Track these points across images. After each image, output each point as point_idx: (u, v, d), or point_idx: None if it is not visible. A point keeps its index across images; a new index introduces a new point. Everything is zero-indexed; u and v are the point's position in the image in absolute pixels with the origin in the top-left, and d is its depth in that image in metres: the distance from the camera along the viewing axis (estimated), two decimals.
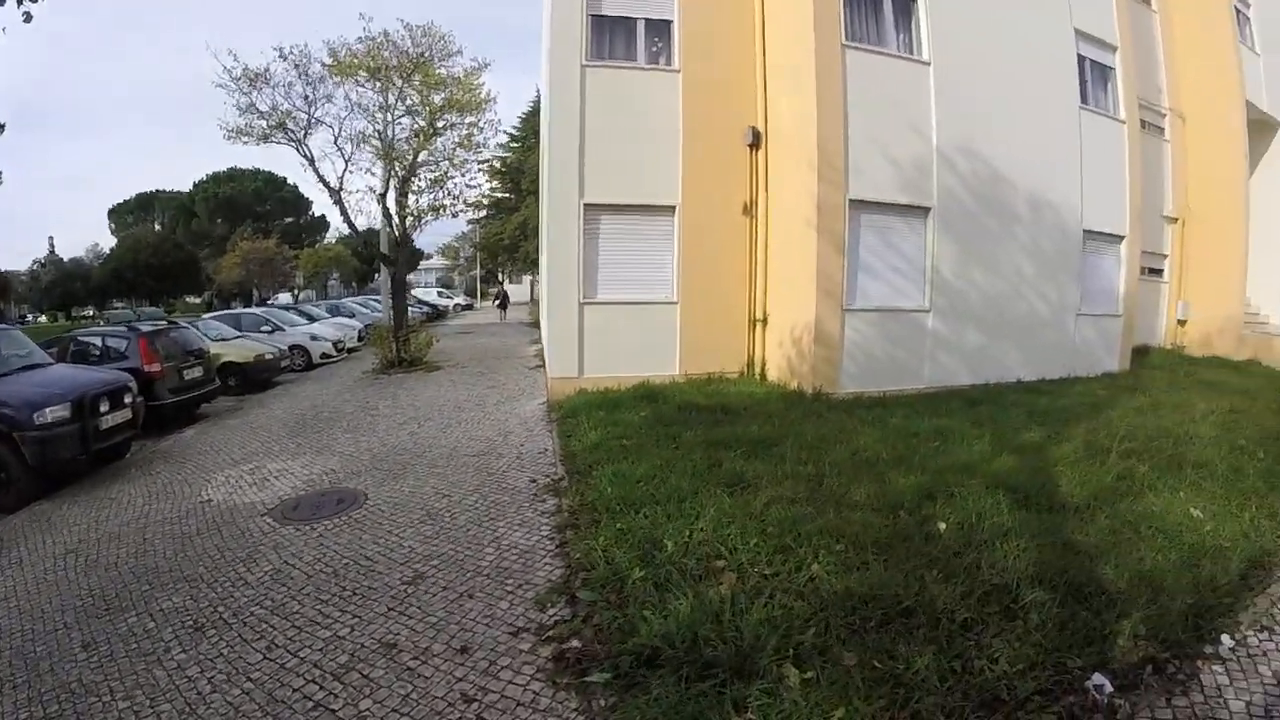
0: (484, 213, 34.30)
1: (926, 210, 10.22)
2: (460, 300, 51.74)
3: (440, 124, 16.57)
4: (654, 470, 6.22)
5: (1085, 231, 12.04)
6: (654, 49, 11.28)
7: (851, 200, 9.69)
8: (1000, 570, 4.23)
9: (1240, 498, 5.63)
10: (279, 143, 15.71)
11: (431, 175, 16.91)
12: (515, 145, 31.67)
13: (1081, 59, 12.51)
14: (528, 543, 5.37)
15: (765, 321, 11.03)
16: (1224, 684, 3.50)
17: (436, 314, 37.98)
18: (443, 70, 16.44)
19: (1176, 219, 15.94)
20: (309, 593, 4.68)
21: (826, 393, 9.36)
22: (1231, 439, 7.51)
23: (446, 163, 16.69)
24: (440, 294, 49.55)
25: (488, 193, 31.09)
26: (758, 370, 11.02)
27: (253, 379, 14.66)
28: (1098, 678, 3.36)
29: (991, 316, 10.81)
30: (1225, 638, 3.84)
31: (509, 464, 7.68)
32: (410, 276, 61.56)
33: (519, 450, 8.25)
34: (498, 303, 36.73)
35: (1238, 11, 16.82)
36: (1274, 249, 17.45)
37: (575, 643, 3.83)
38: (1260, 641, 3.89)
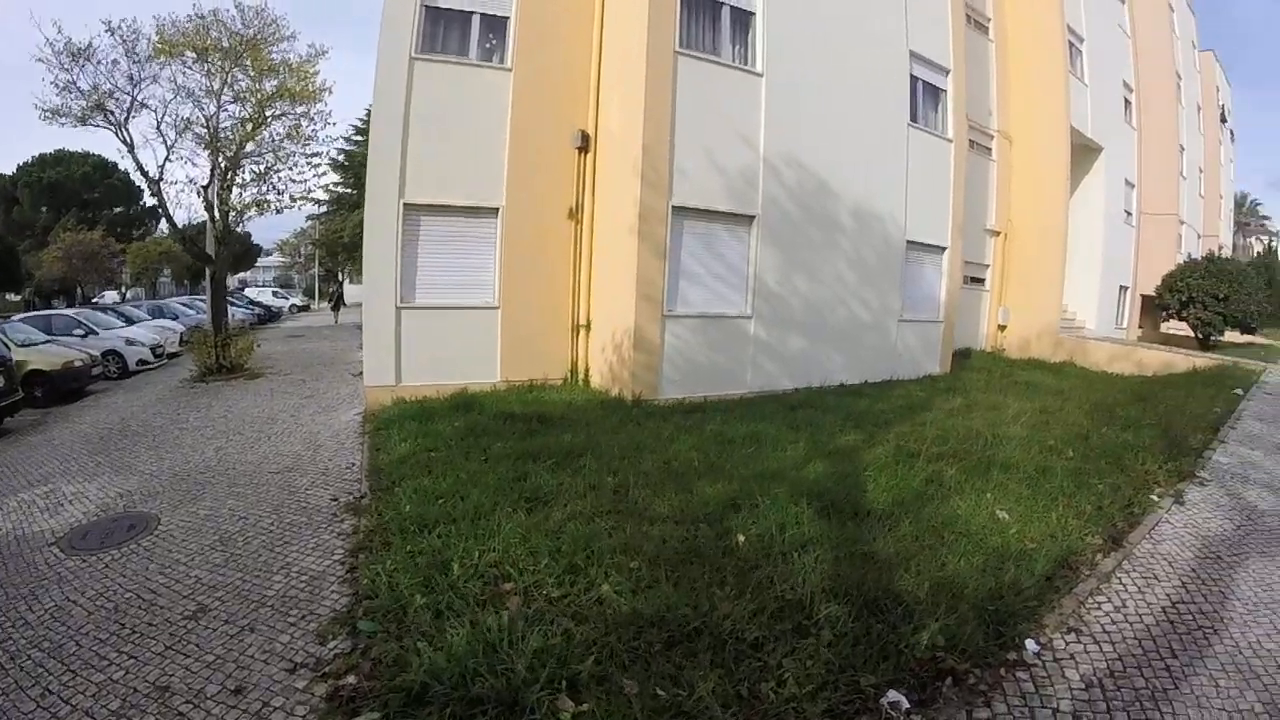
0: (324, 208, 32.79)
1: (751, 218, 10.47)
2: (296, 301, 49.43)
3: (269, 113, 15.79)
4: (457, 485, 5.99)
5: (908, 242, 12.78)
6: (488, 45, 11.01)
7: (675, 207, 9.78)
8: (795, 584, 4.16)
9: (1048, 498, 5.83)
10: (98, 126, 14.67)
11: (257, 168, 16.06)
12: (360, 139, 30.50)
13: (915, 79, 13.29)
14: (318, 568, 5.12)
15: (588, 327, 10.98)
16: (1029, 691, 3.49)
17: (270, 316, 36.11)
18: (276, 56, 15.71)
19: (999, 232, 17.24)
20: (88, 631, 4.39)
21: (647, 399, 9.38)
22: (1042, 439, 7.90)
23: (271, 155, 15.89)
24: (275, 294, 47.23)
25: (330, 187, 29.83)
26: (581, 377, 10.96)
27: (61, 389, 13.29)
28: (893, 694, 3.30)
29: (815, 323, 11.23)
30: (1030, 643, 3.84)
31: (313, 481, 7.33)
32: (246, 275, 58.13)
33: (326, 465, 7.90)
34: (331, 304, 35.23)
35: (1071, 45, 18.49)
36: (1092, 260, 19.33)
37: (351, 679, 3.65)
38: (1068, 644, 3.92)
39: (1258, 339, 24.89)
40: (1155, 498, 6.44)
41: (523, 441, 7.44)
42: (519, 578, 4.31)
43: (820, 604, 3.90)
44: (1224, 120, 41.59)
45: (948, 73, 14.03)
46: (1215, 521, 6.11)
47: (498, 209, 10.58)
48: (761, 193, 10.51)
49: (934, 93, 13.93)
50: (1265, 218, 63.82)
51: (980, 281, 17.35)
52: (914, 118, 13.13)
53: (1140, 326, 23.78)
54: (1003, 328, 17.42)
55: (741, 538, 4.83)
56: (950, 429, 8.30)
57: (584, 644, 3.56)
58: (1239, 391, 12.26)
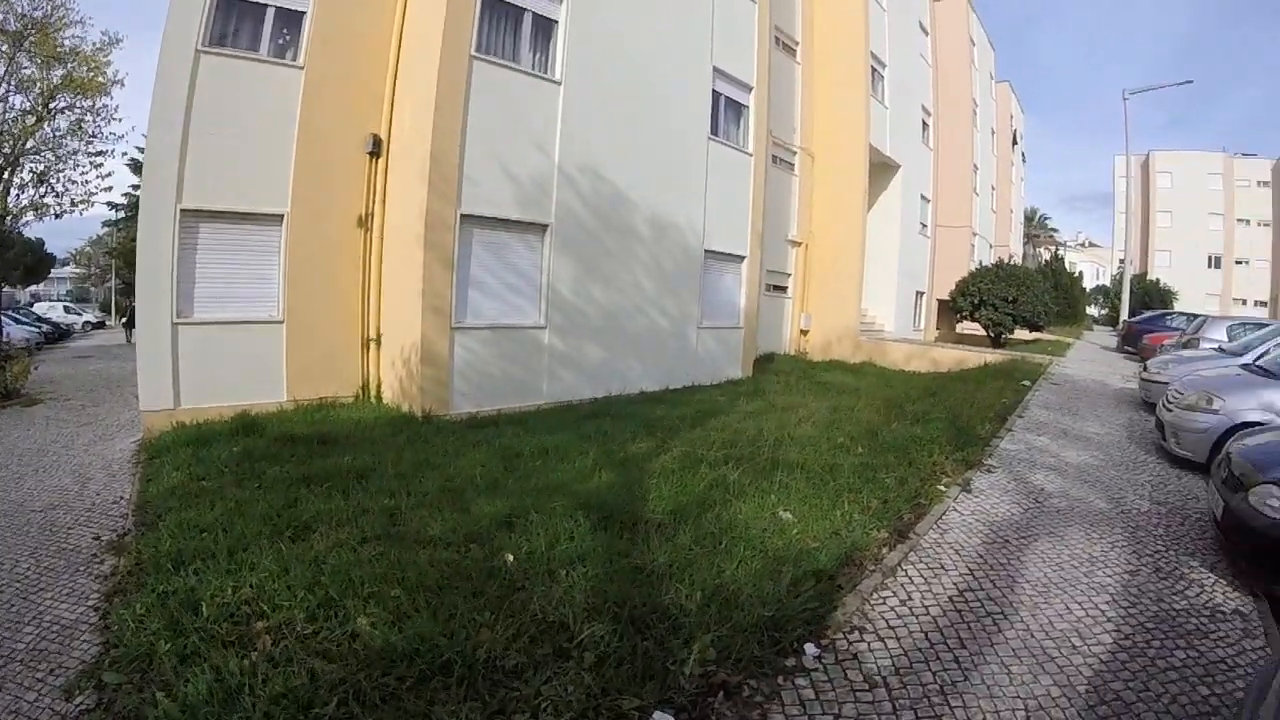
0: (120, 213, 29.88)
1: (544, 227, 10.39)
2: (90, 317, 44.36)
3: (54, 105, 14.27)
4: (223, 516, 5.46)
5: (707, 251, 13.19)
6: (281, 41, 10.27)
7: (464, 215, 9.54)
8: (559, 604, 3.88)
9: (833, 496, 5.76)
10: None
11: (36, 168, 14.45)
12: None
13: (718, 95, 13.72)
14: (72, 616, 4.53)
15: (379, 341, 10.49)
16: (809, 699, 3.34)
17: (59, 334, 32.20)
18: (66, 42, 14.22)
19: (801, 242, 18.20)
20: None
21: (438, 415, 9.08)
22: (832, 437, 8.01)
23: (51, 153, 14.36)
24: (68, 309, 42.10)
25: (129, 190, 27.22)
26: (373, 393, 10.44)
27: None
28: (659, 716, 3.11)
29: (613, 331, 11.31)
30: (809, 647, 3.68)
31: (77, 518, 6.48)
32: (39, 288, 52.33)
33: (93, 500, 7.03)
34: (124, 320, 31.91)
35: (874, 70, 19.87)
36: (890, 268, 20.80)
37: None
38: (851, 644, 3.79)
39: (1045, 335, 27.63)
40: (943, 487, 6.56)
41: (301, 465, 6.93)
42: (273, 614, 3.93)
43: (583, 624, 3.64)
44: (1016, 143, 46.18)
45: (751, 90, 14.61)
46: (1003, 507, 6.26)
47: (282, 216, 9.87)
48: (555, 201, 10.46)
49: (736, 108, 14.46)
50: (1054, 230, 72.00)
51: (783, 289, 18.28)
52: (715, 131, 13.54)
53: (938, 328, 25.88)
54: (805, 332, 18.45)
55: (510, 557, 4.52)
56: (742, 431, 8.31)
57: (330, 684, 3.25)
58: (1027, 383, 13.23)
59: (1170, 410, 8.44)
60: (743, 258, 14.28)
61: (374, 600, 3.99)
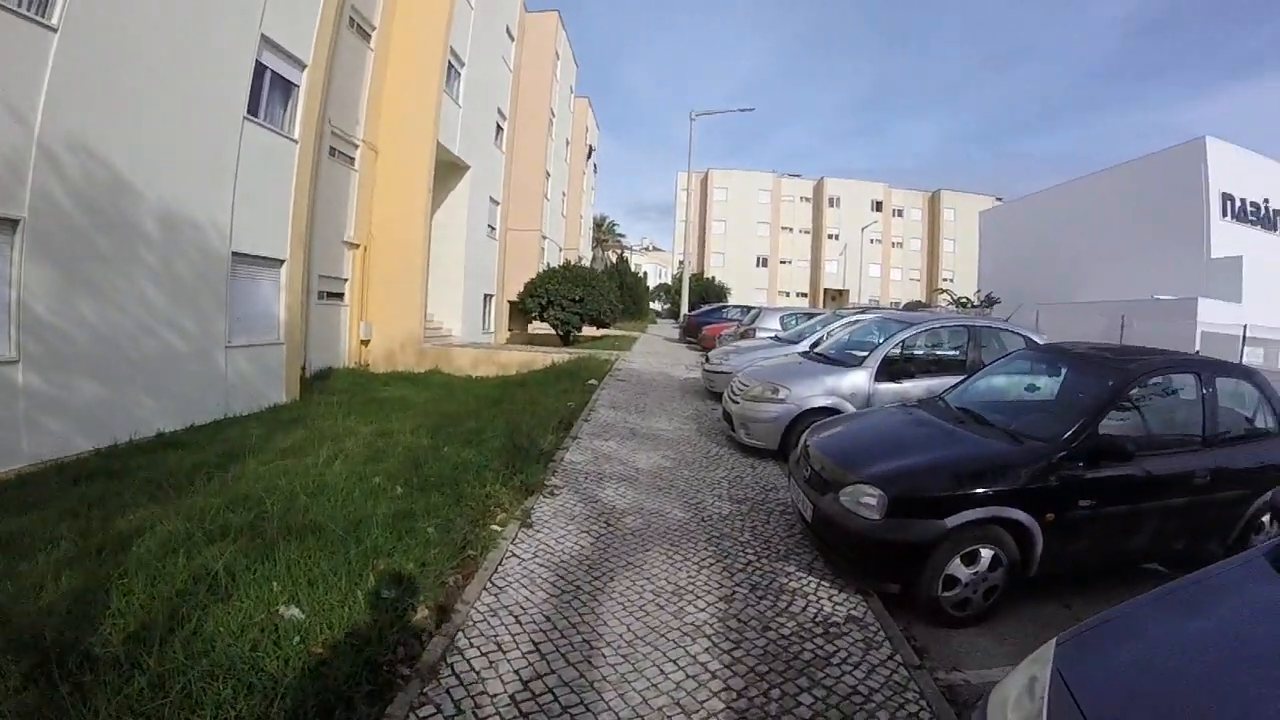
0: None
1: (15, 223, 8.58)
2: None
3: None
4: None
5: (235, 254, 12.04)
6: None
7: None
8: None
9: (356, 567, 4.67)
10: None
11: None
12: None
13: (262, 67, 12.65)
14: None
15: None
16: None
17: None
18: None
19: (360, 245, 18.19)
20: None
21: None
22: (367, 477, 6.99)
23: None
24: None
25: None
26: None
27: None
28: None
29: (113, 360, 9.84)
30: None
31: None
32: None
33: None
34: None
35: (451, 66, 20.72)
36: (456, 271, 22.05)
37: None
38: None
39: (612, 331, 31.75)
40: (498, 527, 5.85)
41: None
42: None
43: None
44: (590, 155, 52.30)
45: (305, 67, 13.89)
46: (571, 539, 5.71)
47: None
48: (32, 189, 8.66)
49: (285, 86, 13.62)
50: (622, 235, 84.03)
51: (340, 296, 18.06)
52: (255, 111, 12.53)
53: (511, 329, 28.11)
54: (366, 342, 18.56)
55: None
56: (260, 482, 6.91)
57: None
58: (593, 382, 14.43)
59: (737, 401, 9.06)
60: (282, 262, 13.46)
61: None
